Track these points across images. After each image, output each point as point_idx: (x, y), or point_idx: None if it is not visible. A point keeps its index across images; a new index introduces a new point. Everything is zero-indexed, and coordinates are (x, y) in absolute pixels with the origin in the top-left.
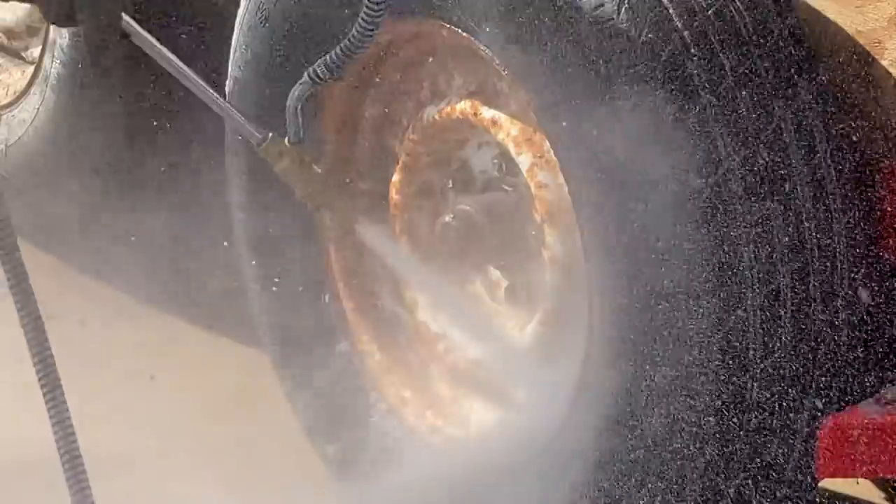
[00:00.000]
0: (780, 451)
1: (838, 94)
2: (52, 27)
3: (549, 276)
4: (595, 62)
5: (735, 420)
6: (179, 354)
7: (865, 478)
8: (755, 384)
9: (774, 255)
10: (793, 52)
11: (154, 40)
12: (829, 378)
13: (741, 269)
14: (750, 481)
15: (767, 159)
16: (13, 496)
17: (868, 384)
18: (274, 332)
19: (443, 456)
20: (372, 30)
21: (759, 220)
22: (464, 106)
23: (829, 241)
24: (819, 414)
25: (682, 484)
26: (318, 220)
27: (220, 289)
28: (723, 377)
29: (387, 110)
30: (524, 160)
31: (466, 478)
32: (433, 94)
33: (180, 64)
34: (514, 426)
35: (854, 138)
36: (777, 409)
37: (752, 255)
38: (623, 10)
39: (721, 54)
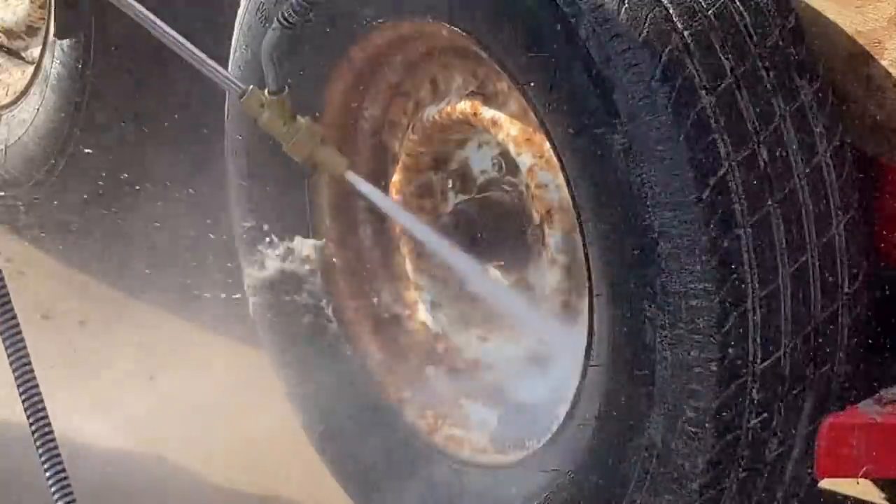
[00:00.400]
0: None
1: (838, 94)
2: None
3: (549, 275)
4: None
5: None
6: (179, 354)
7: (865, 478)
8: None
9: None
10: (793, 52)
11: None
12: (828, 378)
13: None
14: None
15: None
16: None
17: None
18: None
19: None
20: None
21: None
22: (464, 106)
23: (828, 240)
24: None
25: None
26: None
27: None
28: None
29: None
30: (524, 160)
31: None
32: (433, 94)
33: (153, 17)
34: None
35: (854, 138)
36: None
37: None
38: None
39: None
